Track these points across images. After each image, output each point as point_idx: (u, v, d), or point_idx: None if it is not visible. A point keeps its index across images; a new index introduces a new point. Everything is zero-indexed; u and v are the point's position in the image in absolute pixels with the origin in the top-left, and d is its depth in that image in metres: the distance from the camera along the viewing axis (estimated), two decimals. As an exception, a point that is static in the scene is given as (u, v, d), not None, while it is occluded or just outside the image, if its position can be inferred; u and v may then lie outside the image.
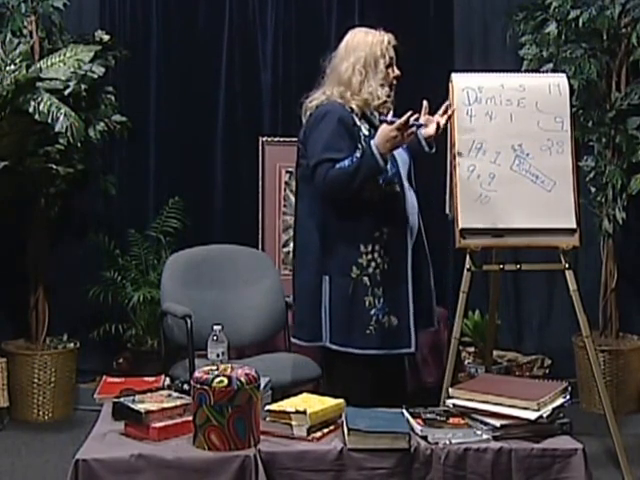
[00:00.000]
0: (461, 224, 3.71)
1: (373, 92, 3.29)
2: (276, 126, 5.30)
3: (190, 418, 2.64)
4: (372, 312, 3.24)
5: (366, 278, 3.24)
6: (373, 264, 3.24)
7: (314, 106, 3.32)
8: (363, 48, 3.31)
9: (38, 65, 4.32)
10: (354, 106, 3.28)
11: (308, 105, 3.35)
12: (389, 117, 3.21)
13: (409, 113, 3.18)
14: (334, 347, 3.24)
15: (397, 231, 3.29)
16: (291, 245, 4.93)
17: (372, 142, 3.19)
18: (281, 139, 5.08)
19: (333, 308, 3.24)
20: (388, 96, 3.31)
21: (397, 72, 3.35)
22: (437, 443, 2.64)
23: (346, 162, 3.16)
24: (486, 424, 2.72)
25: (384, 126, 3.19)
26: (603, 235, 4.85)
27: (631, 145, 4.66)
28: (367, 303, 3.24)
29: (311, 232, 3.28)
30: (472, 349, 5.13)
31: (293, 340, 3.43)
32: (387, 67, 3.32)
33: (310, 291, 3.28)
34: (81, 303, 5.01)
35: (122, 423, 2.73)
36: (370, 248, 3.24)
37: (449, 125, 3.75)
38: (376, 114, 3.36)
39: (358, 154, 3.17)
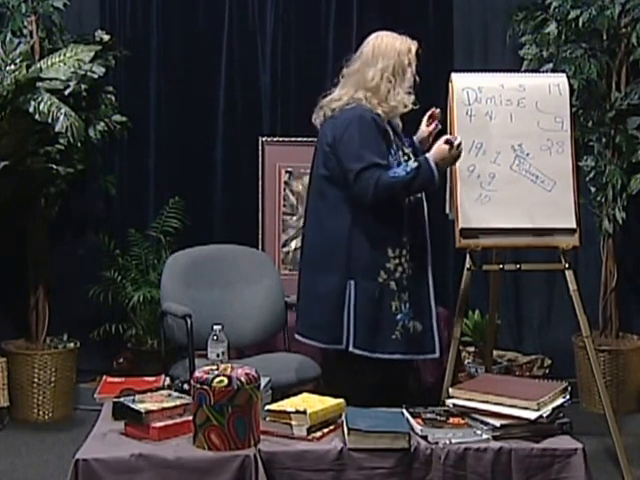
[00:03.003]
0: (461, 224, 3.71)
1: (401, 100, 3.31)
2: (276, 126, 5.30)
3: (190, 418, 2.64)
4: (398, 317, 3.25)
5: (393, 283, 3.25)
6: (400, 269, 3.26)
7: (337, 107, 3.32)
8: (392, 55, 3.32)
9: (38, 65, 4.32)
10: (380, 112, 3.29)
11: (330, 105, 3.36)
12: (453, 138, 3.28)
13: (460, 137, 3.30)
14: (358, 352, 3.24)
15: (420, 236, 3.34)
16: (292, 245, 4.97)
17: (428, 156, 3.25)
18: (281, 139, 5.08)
19: (358, 313, 3.23)
20: (414, 103, 3.34)
21: (417, 79, 3.38)
22: (437, 443, 2.65)
23: (400, 170, 3.19)
24: (486, 424, 2.73)
25: (444, 145, 3.26)
26: (603, 235, 4.85)
27: (631, 145, 4.66)
28: (394, 308, 3.25)
29: (336, 235, 3.27)
30: (472, 349, 5.13)
31: (306, 340, 3.40)
32: (413, 75, 3.35)
33: (333, 294, 3.26)
34: (81, 303, 5.01)
35: (122, 423, 2.73)
36: (398, 252, 3.26)
37: (449, 125, 3.76)
38: (424, 125, 3.49)
39: (413, 165, 3.21)
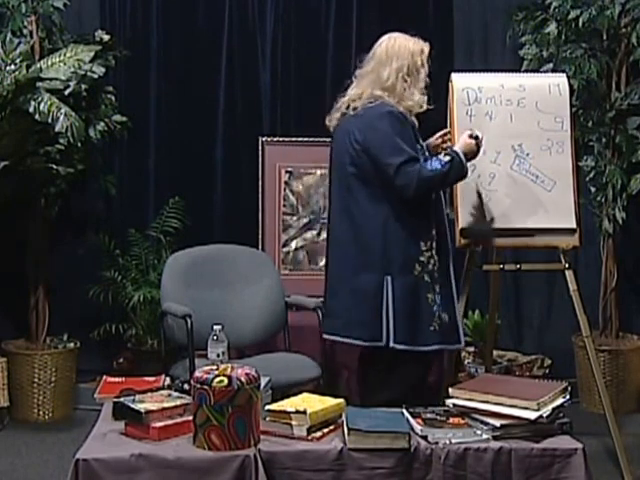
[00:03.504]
0: (461, 224, 3.71)
1: (415, 99, 3.36)
2: (276, 126, 5.30)
3: (190, 418, 2.64)
4: (434, 308, 3.31)
5: (427, 275, 3.31)
6: (432, 261, 3.32)
7: (360, 106, 3.34)
8: (406, 56, 3.37)
9: (38, 65, 4.32)
10: (401, 109, 3.35)
11: (351, 104, 3.38)
12: (475, 132, 3.39)
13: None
14: (399, 347, 3.27)
15: (442, 228, 3.40)
16: (292, 245, 4.97)
17: (457, 149, 3.34)
18: (281, 139, 5.08)
19: (397, 307, 3.27)
20: (428, 103, 3.40)
21: (428, 80, 3.45)
22: (437, 443, 2.65)
23: (436, 164, 3.26)
24: (486, 424, 2.72)
25: (469, 139, 3.37)
26: (603, 235, 4.85)
27: (631, 145, 4.66)
28: (430, 300, 3.31)
29: (370, 232, 3.30)
30: (472, 349, 5.13)
31: (342, 340, 3.41)
32: (426, 76, 3.42)
33: (370, 291, 3.29)
34: (81, 303, 5.01)
35: (122, 423, 2.74)
36: (429, 245, 3.32)
37: (449, 125, 3.76)
38: (434, 138, 3.58)
39: (447, 158, 3.28)
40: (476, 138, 3.39)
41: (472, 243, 3.76)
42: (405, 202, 3.27)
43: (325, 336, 3.48)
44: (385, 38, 3.44)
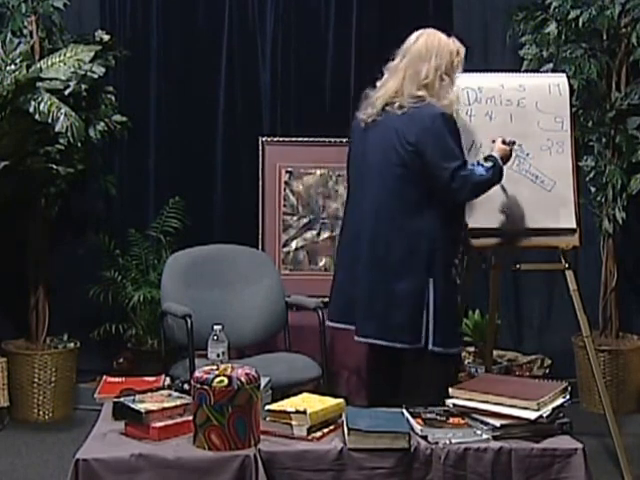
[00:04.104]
0: (461, 224, 3.71)
1: (450, 98, 3.34)
2: (276, 126, 5.30)
3: (190, 418, 2.64)
4: (460, 311, 3.40)
5: (458, 278, 3.34)
6: (461, 264, 3.39)
7: (406, 104, 3.28)
8: (445, 54, 3.36)
9: (38, 65, 4.32)
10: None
11: (393, 101, 3.32)
12: (509, 138, 3.45)
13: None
14: (437, 349, 3.26)
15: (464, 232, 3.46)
16: (292, 245, 4.97)
17: (495, 155, 3.38)
18: (281, 139, 5.08)
19: (438, 311, 3.26)
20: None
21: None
22: (437, 443, 2.65)
23: (481, 169, 3.30)
24: (486, 424, 2.73)
25: (503, 145, 3.43)
26: (603, 235, 4.85)
27: (631, 145, 4.66)
28: (459, 301, 3.38)
29: (419, 234, 3.27)
30: (472, 349, 5.13)
31: (380, 342, 3.36)
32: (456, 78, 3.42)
33: (412, 294, 3.27)
34: (81, 303, 5.00)
35: (122, 423, 2.74)
36: (461, 248, 3.38)
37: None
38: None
39: (489, 164, 3.33)
40: (511, 144, 3.45)
41: (472, 243, 3.75)
42: (450, 206, 3.29)
43: (358, 339, 3.41)
44: (421, 33, 3.39)
